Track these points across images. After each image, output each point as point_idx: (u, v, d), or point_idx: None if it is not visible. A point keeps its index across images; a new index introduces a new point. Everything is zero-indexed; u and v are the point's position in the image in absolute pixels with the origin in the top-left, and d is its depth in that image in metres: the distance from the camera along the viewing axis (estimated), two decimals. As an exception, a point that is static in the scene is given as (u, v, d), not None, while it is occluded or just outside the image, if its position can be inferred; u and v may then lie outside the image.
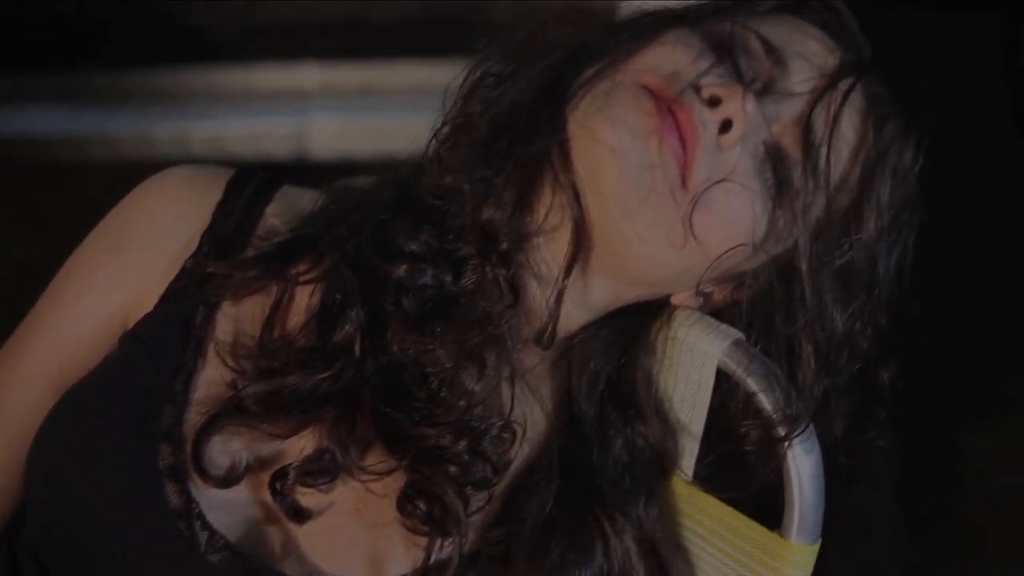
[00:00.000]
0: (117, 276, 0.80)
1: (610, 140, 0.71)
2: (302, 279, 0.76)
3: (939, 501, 1.43)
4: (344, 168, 1.59)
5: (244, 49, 1.62)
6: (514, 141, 0.74)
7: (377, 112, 1.58)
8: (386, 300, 0.73)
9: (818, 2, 0.80)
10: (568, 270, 0.73)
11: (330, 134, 1.59)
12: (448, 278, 0.73)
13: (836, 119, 0.73)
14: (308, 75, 1.63)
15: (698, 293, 0.78)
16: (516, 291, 0.73)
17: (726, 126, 0.72)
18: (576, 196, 0.72)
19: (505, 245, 0.73)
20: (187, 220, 0.79)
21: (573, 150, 0.72)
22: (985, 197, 1.58)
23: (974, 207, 1.53)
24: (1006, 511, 1.43)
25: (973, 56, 1.79)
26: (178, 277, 0.78)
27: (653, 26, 0.77)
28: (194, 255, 0.78)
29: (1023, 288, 1.54)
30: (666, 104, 0.71)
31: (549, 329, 0.74)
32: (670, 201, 0.71)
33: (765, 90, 0.74)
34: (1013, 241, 1.60)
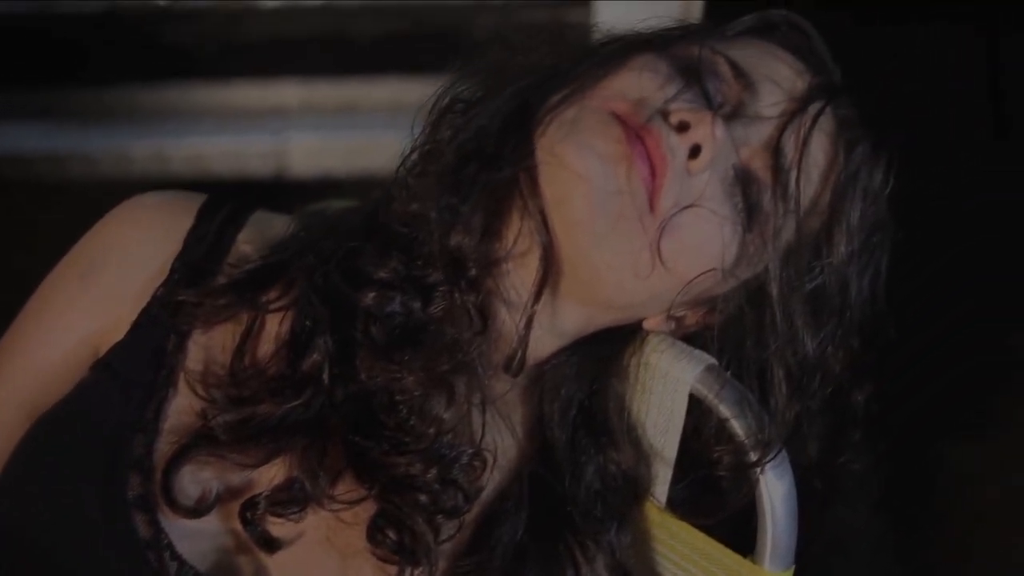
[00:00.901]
0: (88, 304, 0.79)
1: (577, 166, 0.71)
2: (272, 307, 0.75)
3: (923, 514, 1.42)
4: (325, 186, 1.59)
5: (224, 66, 1.61)
6: (481, 167, 0.73)
7: (358, 130, 1.58)
8: (355, 328, 0.73)
9: (787, 26, 0.80)
10: (537, 296, 0.73)
11: (311, 152, 1.59)
12: (417, 305, 0.73)
13: (806, 143, 0.73)
14: (289, 92, 1.63)
15: (670, 318, 0.78)
16: (485, 317, 0.73)
17: (695, 151, 0.71)
18: (544, 222, 0.72)
19: (473, 271, 0.72)
20: (158, 247, 0.79)
21: (541, 176, 0.72)
22: (967, 204, 1.58)
23: (955, 215, 1.54)
24: (991, 524, 1.43)
25: (954, 68, 1.80)
26: (149, 305, 0.77)
27: (621, 51, 0.77)
28: (165, 282, 0.78)
29: (1005, 295, 1.55)
30: (634, 131, 0.71)
31: (518, 355, 0.74)
32: (638, 227, 0.71)
33: (734, 114, 0.74)
34: (995, 247, 1.60)
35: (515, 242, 0.74)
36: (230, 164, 1.59)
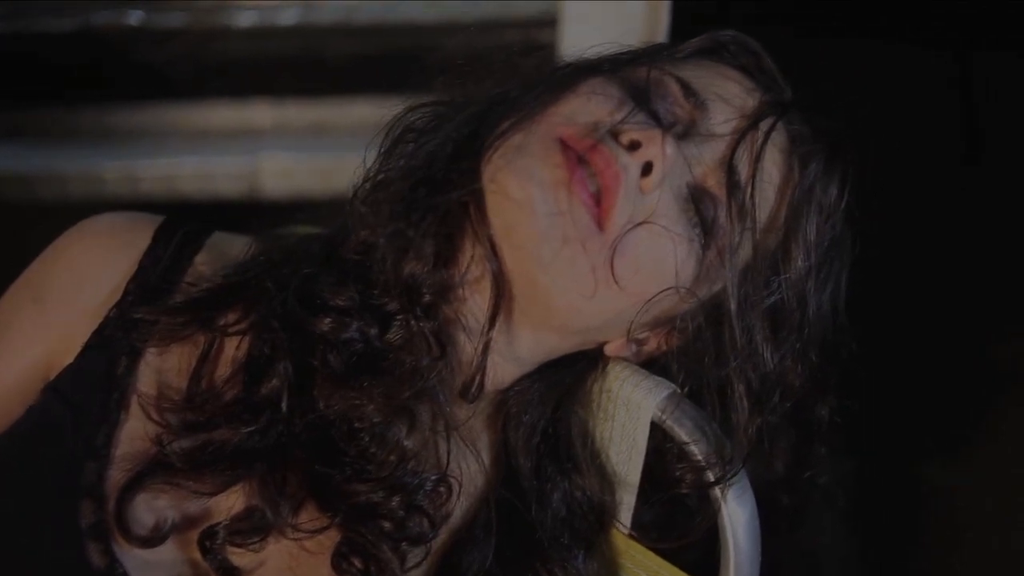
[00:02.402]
0: (39, 326, 0.78)
1: (518, 194, 0.71)
2: (230, 330, 0.74)
3: (896, 530, 1.42)
4: (297, 207, 1.58)
5: (196, 86, 1.60)
6: (430, 193, 0.73)
7: (331, 151, 1.57)
8: (313, 355, 0.72)
9: (736, 45, 0.80)
10: (492, 321, 0.72)
11: (283, 172, 1.58)
12: (374, 332, 0.72)
13: (759, 159, 0.73)
14: (261, 113, 1.62)
15: (631, 340, 0.78)
16: (443, 344, 0.72)
17: (647, 169, 0.71)
18: (493, 249, 0.72)
19: (428, 298, 0.72)
20: (112, 268, 0.78)
21: (487, 204, 0.72)
22: (936, 224, 1.59)
23: (926, 231, 1.55)
24: (969, 549, 1.43)
25: (924, 87, 1.81)
26: (101, 326, 0.76)
27: (571, 76, 0.76)
28: (118, 304, 0.77)
29: (977, 312, 1.55)
30: (576, 154, 0.71)
31: (476, 381, 0.73)
32: (581, 250, 0.71)
33: (686, 133, 0.74)
34: (974, 258, 1.60)
35: (468, 268, 0.73)
36: (201, 185, 1.58)
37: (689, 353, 0.77)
